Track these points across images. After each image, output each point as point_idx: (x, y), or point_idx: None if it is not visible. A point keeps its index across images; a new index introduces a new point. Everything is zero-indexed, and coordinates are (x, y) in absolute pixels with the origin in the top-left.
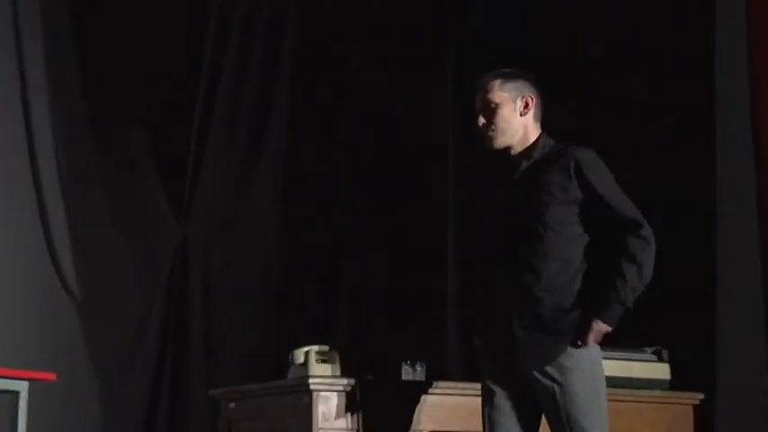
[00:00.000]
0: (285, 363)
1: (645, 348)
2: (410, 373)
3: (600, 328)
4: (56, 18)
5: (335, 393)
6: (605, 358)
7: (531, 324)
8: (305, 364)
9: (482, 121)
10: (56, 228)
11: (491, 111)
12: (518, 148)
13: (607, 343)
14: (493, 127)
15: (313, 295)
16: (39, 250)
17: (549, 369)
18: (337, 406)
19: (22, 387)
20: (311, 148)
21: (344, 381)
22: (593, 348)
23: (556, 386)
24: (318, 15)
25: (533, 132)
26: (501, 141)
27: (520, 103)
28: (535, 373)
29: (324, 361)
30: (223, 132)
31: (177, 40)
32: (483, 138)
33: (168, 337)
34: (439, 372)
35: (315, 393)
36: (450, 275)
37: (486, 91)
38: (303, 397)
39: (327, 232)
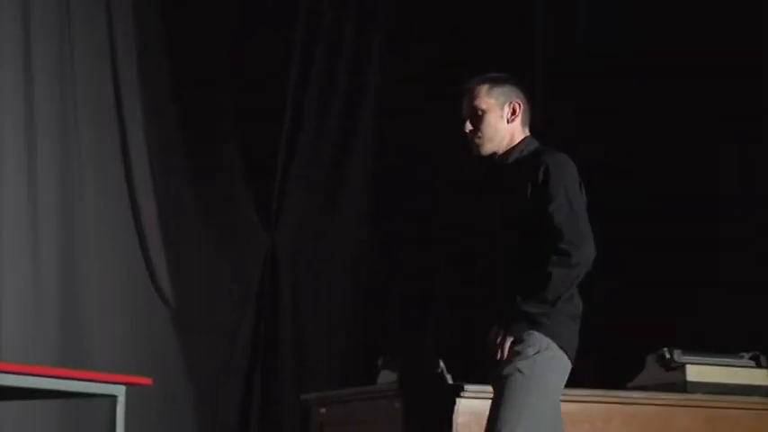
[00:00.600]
0: (375, 368)
1: (743, 354)
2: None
3: (498, 335)
4: (147, 21)
5: None
6: (701, 363)
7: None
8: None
9: (469, 127)
10: (150, 237)
11: (478, 117)
12: (502, 151)
13: (702, 348)
14: (479, 134)
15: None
16: (134, 260)
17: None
18: None
19: (120, 391)
20: (399, 157)
21: None
22: (542, 351)
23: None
24: (406, 21)
25: (519, 137)
26: (488, 148)
27: (507, 110)
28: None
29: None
30: (311, 141)
31: (266, 48)
32: (470, 144)
33: (259, 343)
34: None
35: None
36: None
37: (473, 97)
38: (394, 402)
39: (415, 239)
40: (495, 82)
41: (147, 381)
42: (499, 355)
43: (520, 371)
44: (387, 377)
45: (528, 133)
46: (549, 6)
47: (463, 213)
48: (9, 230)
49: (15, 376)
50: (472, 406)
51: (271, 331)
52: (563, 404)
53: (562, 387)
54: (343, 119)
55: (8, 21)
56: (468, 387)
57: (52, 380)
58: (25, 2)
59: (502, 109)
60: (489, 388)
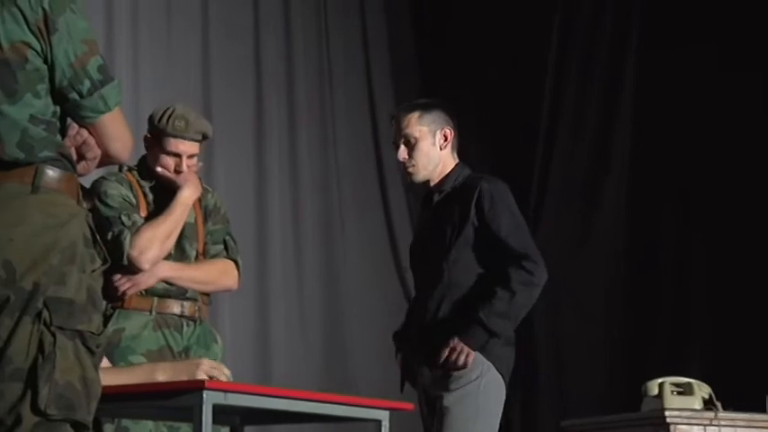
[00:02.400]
0: (637, 394)
1: None
2: None
3: (455, 345)
4: (402, 46)
5: (695, 427)
6: None
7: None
8: (659, 396)
9: (403, 155)
10: (405, 258)
11: (410, 145)
12: (436, 181)
13: None
14: (413, 162)
15: (663, 324)
16: (391, 282)
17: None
18: None
19: (384, 416)
20: (653, 184)
21: (706, 414)
22: (484, 375)
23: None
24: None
25: (450, 164)
26: (422, 176)
27: (439, 137)
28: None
29: (680, 393)
30: (563, 168)
31: (518, 72)
32: (404, 172)
33: (517, 371)
34: None
35: (672, 426)
36: None
37: (405, 125)
38: (659, 430)
39: (674, 259)
40: (426, 108)
41: (408, 406)
42: (457, 364)
43: (467, 395)
44: (651, 404)
45: (457, 159)
46: None
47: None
48: (276, 252)
49: (287, 401)
50: None
51: (528, 358)
52: None
53: (500, 412)
54: (596, 147)
55: (274, 43)
56: None
57: (320, 404)
58: (287, 25)
59: (434, 136)
60: None
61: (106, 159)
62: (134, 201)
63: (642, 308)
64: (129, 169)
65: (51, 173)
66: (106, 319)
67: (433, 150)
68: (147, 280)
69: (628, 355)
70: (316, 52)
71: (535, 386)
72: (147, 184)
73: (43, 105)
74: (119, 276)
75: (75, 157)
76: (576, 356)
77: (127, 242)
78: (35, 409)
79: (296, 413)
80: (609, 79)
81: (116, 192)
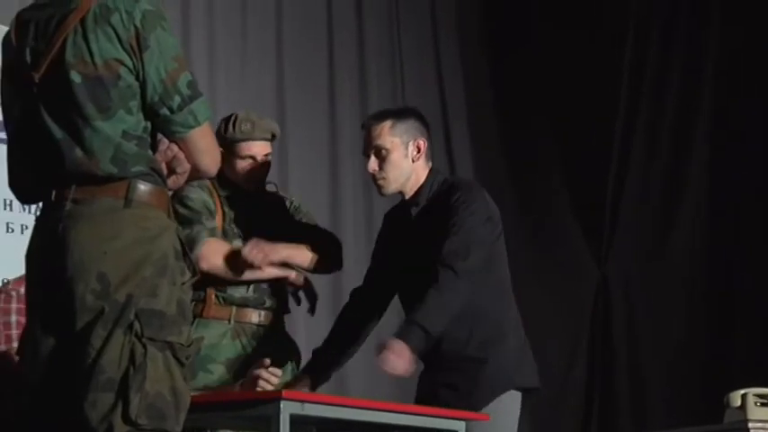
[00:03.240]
0: (719, 406)
1: None
2: None
3: (392, 344)
4: (475, 56)
5: None
6: None
7: None
8: (742, 408)
9: (373, 167)
10: None
11: (381, 157)
12: (409, 193)
13: None
14: (383, 174)
15: (746, 333)
16: None
17: None
18: None
19: (460, 426)
20: (734, 189)
21: None
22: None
23: None
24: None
25: (423, 174)
26: (392, 188)
27: (411, 148)
28: None
29: (764, 404)
30: (641, 172)
31: (592, 82)
32: (374, 183)
33: (595, 379)
34: None
35: None
36: None
37: (376, 135)
38: None
39: (757, 264)
40: (398, 117)
41: (484, 417)
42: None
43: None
44: (733, 415)
45: (430, 166)
46: None
47: (393, 257)
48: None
49: (365, 411)
50: None
51: (606, 367)
52: None
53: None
54: (673, 152)
55: (346, 54)
56: None
57: (398, 415)
58: (360, 32)
59: (406, 148)
60: None
61: (195, 173)
62: (213, 208)
63: (724, 316)
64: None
65: (143, 187)
66: None
67: (404, 162)
68: (272, 253)
69: (709, 364)
70: (389, 54)
71: (614, 397)
72: (224, 194)
73: (135, 121)
74: (249, 247)
75: (165, 171)
76: (656, 366)
77: (202, 240)
78: (126, 418)
79: (373, 424)
80: (685, 83)
81: (197, 196)
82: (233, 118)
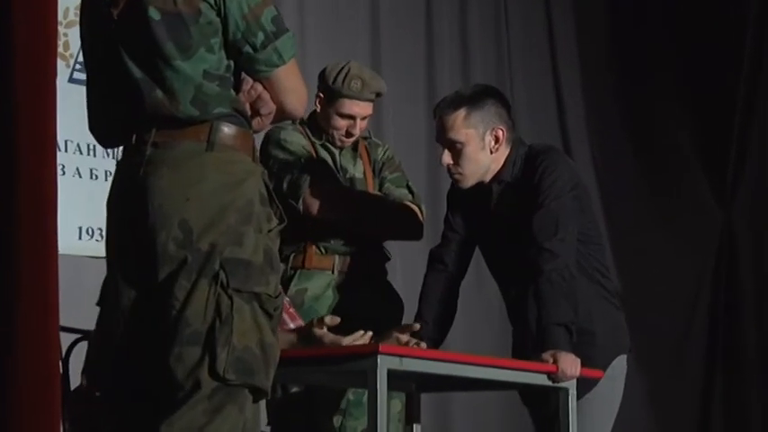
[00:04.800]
0: None
1: None
2: None
3: (562, 363)
4: (590, 14)
5: None
6: None
7: None
8: None
9: (447, 160)
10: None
11: (456, 151)
12: (489, 177)
13: None
14: (460, 169)
15: None
16: None
17: None
18: None
19: (570, 384)
20: None
21: None
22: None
23: None
24: None
25: (504, 157)
26: (471, 182)
27: (489, 139)
28: None
29: None
30: (763, 138)
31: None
32: (450, 176)
33: (717, 335)
34: None
35: None
36: None
37: (449, 127)
38: None
39: None
40: (473, 104)
41: (598, 373)
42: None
43: (600, 396)
44: None
45: (511, 143)
46: None
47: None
48: None
49: (465, 366)
50: None
51: (731, 321)
52: None
53: None
54: None
55: (446, 22)
56: None
57: (500, 370)
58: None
59: (483, 139)
60: None
61: (281, 114)
62: (312, 152)
63: None
64: (301, 123)
65: (227, 129)
66: (288, 280)
67: (481, 155)
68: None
69: None
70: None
71: (739, 349)
72: (317, 142)
73: (217, 60)
74: None
75: (249, 112)
76: None
77: (306, 185)
78: (213, 373)
79: (474, 380)
80: None
81: (295, 139)
82: (345, 70)
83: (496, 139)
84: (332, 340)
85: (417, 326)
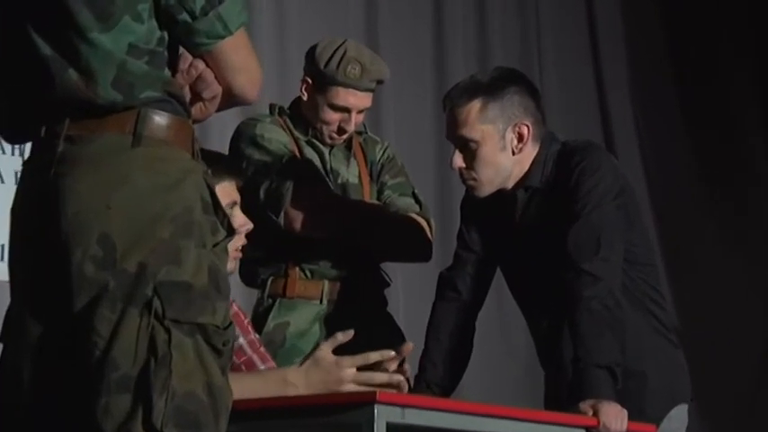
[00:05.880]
0: None
1: None
2: None
3: (604, 413)
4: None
5: None
6: None
7: None
8: None
9: (459, 163)
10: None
11: (470, 151)
12: (512, 183)
13: None
14: (475, 174)
15: None
16: None
17: None
18: None
19: None
20: None
21: None
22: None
23: None
24: None
25: (530, 159)
26: (488, 190)
27: (511, 136)
28: None
29: None
30: None
31: None
32: (463, 183)
33: None
34: None
35: None
36: None
37: (461, 122)
38: None
39: None
40: (490, 94)
41: (650, 428)
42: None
43: None
44: None
45: (540, 141)
46: None
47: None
48: None
49: (482, 419)
50: None
51: None
52: None
53: None
54: None
55: None
56: None
57: (524, 424)
58: None
59: (503, 137)
60: None
61: (228, 99)
62: (295, 151)
63: None
64: (280, 113)
65: (158, 118)
66: (265, 311)
67: (500, 157)
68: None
69: None
70: None
71: None
72: (301, 137)
73: (146, 31)
74: None
75: (188, 96)
76: None
77: (289, 196)
78: (149, 427)
79: None
80: None
81: (276, 136)
82: (340, 51)
83: (520, 137)
84: (359, 380)
85: (410, 346)
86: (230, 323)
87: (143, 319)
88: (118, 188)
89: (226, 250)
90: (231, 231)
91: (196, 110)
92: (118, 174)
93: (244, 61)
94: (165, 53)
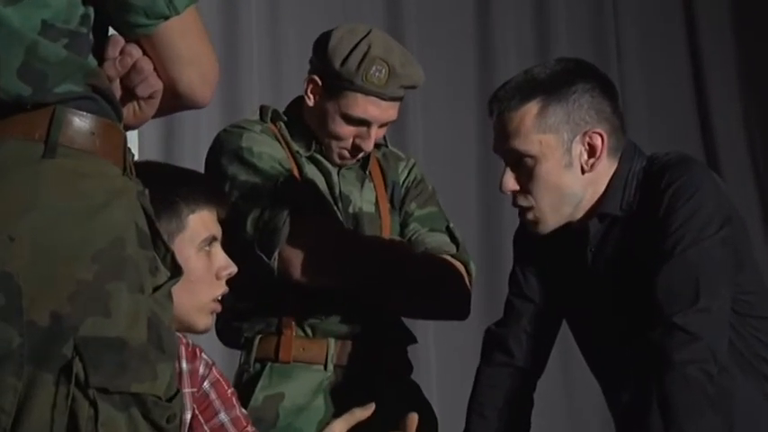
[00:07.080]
0: None
1: None
2: None
3: None
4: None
5: None
6: None
7: None
8: None
9: (511, 186)
10: None
11: (525, 169)
12: (582, 212)
13: None
14: (532, 201)
15: None
16: None
17: None
18: None
19: None
20: None
21: None
22: None
23: None
24: None
25: (607, 177)
26: (552, 223)
27: (580, 150)
28: None
29: None
30: None
31: None
32: (520, 215)
33: None
34: None
35: None
36: None
37: (513, 131)
38: None
39: None
40: (551, 93)
41: None
42: None
43: None
44: None
45: (618, 155)
46: None
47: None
48: None
49: None
50: None
51: None
52: None
53: None
54: None
55: None
56: None
57: None
58: None
59: (569, 151)
60: None
61: (172, 99)
62: (294, 170)
63: None
64: (274, 119)
65: (78, 121)
66: (252, 380)
67: (567, 177)
68: None
69: None
70: None
71: None
72: (302, 152)
73: (65, 6)
74: None
75: (119, 93)
76: None
77: (285, 231)
78: None
79: None
80: None
81: (268, 150)
82: (362, 47)
83: (592, 150)
84: None
85: (414, 417)
86: (177, 392)
87: (60, 387)
88: (23, 213)
89: (170, 296)
90: (177, 271)
91: (129, 111)
92: (23, 194)
93: (193, 50)
94: (91, 36)
